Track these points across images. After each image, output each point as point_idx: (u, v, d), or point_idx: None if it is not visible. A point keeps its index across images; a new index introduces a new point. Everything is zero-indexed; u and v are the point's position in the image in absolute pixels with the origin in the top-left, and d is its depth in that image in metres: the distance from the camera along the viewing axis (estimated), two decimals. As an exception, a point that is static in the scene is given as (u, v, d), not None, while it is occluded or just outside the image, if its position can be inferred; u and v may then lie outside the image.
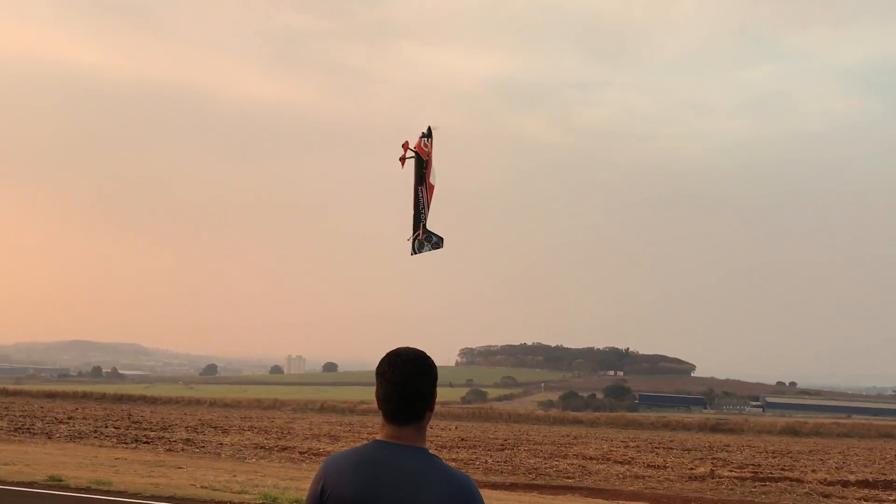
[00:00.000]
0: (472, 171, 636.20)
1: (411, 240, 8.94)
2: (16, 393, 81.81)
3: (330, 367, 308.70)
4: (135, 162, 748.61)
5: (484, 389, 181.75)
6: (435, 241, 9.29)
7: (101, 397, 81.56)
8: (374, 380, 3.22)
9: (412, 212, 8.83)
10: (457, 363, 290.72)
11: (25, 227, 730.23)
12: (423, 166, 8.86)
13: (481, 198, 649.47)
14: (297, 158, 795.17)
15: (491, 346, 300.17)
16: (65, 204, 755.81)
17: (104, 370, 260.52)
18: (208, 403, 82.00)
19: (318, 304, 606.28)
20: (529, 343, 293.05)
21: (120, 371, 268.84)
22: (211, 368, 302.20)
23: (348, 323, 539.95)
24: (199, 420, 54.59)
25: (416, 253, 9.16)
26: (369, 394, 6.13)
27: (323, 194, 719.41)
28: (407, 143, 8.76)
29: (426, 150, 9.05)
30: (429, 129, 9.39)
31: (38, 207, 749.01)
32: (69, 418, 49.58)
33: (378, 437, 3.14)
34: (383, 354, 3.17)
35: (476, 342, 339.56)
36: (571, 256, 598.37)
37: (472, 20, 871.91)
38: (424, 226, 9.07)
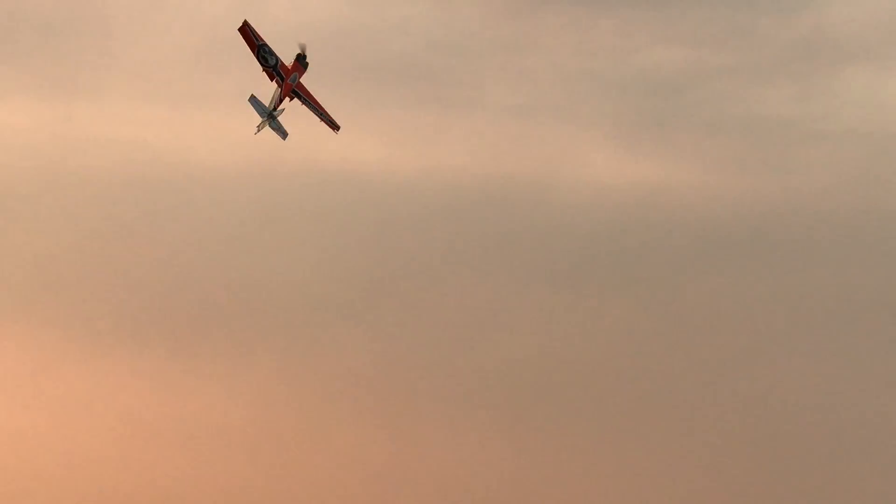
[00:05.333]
0: None
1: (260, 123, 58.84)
2: None
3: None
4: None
5: None
6: (277, 126, 58.40)
7: None
8: None
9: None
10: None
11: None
12: (290, 80, 56.75)
13: None
14: (678, 282, 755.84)
15: None
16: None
17: None
18: None
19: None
20: None
21: None
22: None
23: None
24: None
25: (258, 132, 59.51)
26: None
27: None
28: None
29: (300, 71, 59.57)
30: (303, 53, 60.61)
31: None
32: None
33: None
34: None
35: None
36: None
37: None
38: (271, 114, 58.31)
